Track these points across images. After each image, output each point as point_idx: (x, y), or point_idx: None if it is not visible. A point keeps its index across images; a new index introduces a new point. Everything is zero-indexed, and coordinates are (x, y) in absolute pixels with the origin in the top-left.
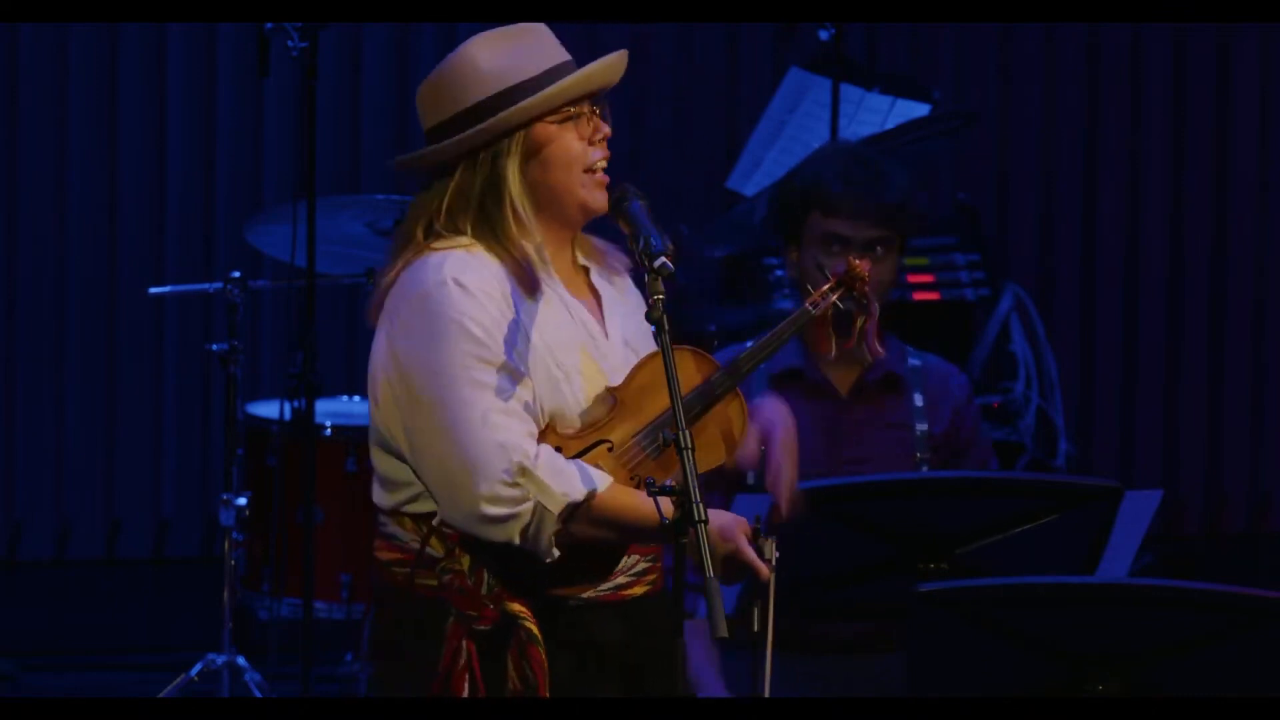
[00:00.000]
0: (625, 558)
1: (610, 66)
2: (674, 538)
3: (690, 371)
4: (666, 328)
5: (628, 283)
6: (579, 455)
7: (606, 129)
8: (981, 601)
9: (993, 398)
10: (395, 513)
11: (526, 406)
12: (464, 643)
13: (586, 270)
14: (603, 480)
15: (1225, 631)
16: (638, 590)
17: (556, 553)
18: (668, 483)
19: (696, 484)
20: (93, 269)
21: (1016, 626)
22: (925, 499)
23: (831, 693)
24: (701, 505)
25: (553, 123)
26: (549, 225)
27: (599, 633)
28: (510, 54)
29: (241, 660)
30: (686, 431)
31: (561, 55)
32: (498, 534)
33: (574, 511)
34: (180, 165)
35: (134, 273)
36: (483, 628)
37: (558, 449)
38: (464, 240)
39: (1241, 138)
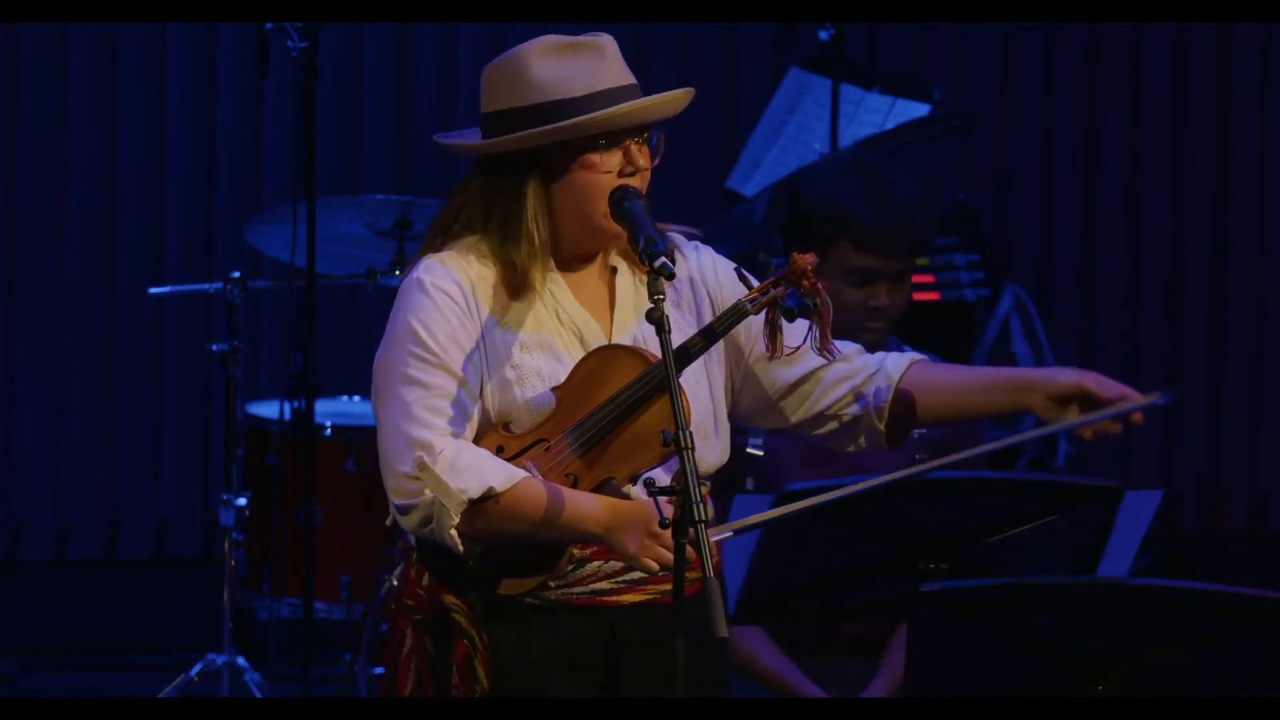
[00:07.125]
0: (600, 562)
1: (667, 103)
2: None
3: (624, 369)
4: (667, 328)
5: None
6: (518, 454)
7: (643, 162)
8: (981, 601)
9: None
10: None
11: (460, 406)
12: (408, 631)
13: (614, 270)
14: (510, 477)
15: (1225, 631)
16: (628, 598)
17: (464, 547)
18: (667, 480)
19: (696, 484)
20: (93, 269)
21: (1016, 626)
22: (925, 499)
23: (831, 693)
24: (702, 505)
25: (588, 149)
26: (566, 239)
27: (571, 637)
28: (565, 65)
29: (241, 660)
30: (687, 431)
31: (620, 78)
32: (405, 523)
33: (477, 508)
34: (180, 165)
35: (134, 273)
36: (419, 617)
37: (500, 448)
38: (471, 239)
39: (1241, 138)
